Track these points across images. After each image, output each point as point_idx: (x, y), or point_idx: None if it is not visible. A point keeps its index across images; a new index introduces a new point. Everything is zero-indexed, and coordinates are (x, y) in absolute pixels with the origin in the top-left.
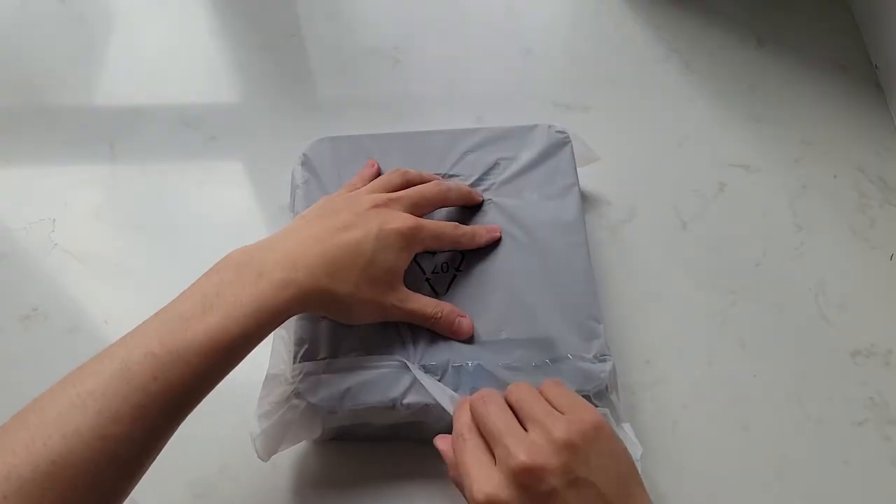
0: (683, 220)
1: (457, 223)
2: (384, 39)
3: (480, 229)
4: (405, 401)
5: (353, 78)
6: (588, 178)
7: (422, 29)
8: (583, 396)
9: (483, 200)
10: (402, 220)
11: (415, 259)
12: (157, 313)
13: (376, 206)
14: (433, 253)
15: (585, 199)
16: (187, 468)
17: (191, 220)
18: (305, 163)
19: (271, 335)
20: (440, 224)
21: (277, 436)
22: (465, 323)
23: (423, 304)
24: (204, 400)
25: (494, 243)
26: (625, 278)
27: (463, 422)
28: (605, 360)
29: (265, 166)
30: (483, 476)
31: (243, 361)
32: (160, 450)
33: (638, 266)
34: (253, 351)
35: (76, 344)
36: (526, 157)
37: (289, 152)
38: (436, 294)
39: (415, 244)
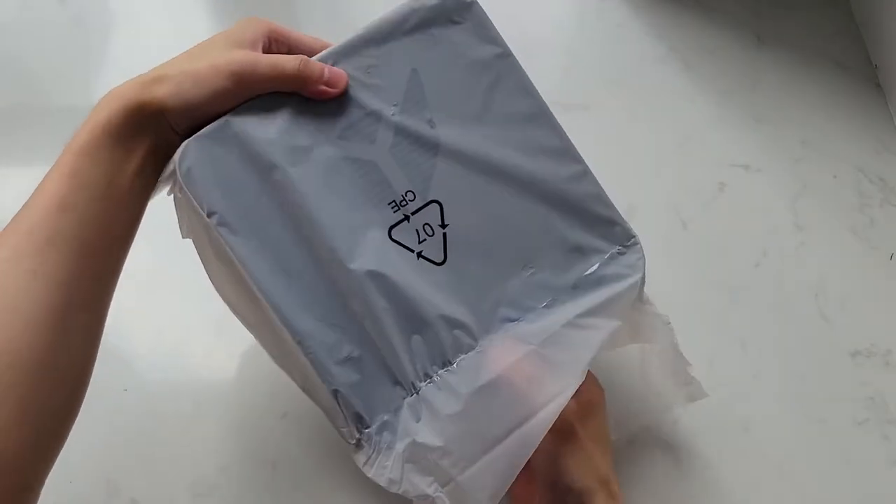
0: (683, 220)
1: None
2: None
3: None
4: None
5: None
6: None
7: None
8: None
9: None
10: None
11: (395, 241)
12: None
13: None
14: (406, 217)
15: None
16: (187, 468)
17: None
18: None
19: None
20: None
21: None
22: (336, 73)
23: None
24: (205, 399)
25: (462, 175)
26: None
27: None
28: (632, 247)
29: None
30: None
31: (235, 362)
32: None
33: None
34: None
35: None
36: (439, 52)
37: None
38: (438, 264)
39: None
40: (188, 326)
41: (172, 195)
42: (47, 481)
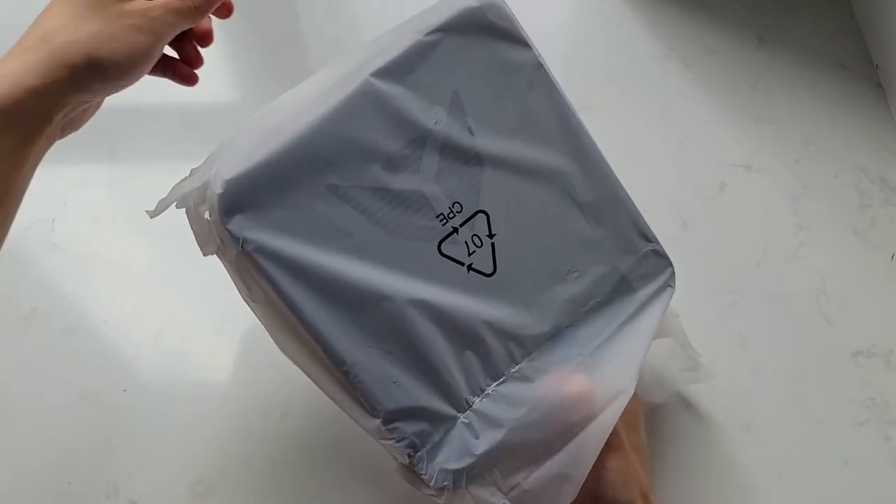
0: (684, 220)
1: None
2: None
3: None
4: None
5: None
6: None
7: None
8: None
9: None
10: None
11: (445, 255)
12: None
13: None
14: (455, 230)
15: None
16: (187, 468)
17: None
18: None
19: None
20: None
21: None
22: None
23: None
24: (205, 399)
25: (505, 184)
26: None
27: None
28: (657, 248)
29: None
30: None
31: (235, 362)
32: None
33: None
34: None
35: (76, 344)
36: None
37: None
38: (488, 276)
39: None
40: (188, 326)
41: (186, 211)
42: (45, 483)
